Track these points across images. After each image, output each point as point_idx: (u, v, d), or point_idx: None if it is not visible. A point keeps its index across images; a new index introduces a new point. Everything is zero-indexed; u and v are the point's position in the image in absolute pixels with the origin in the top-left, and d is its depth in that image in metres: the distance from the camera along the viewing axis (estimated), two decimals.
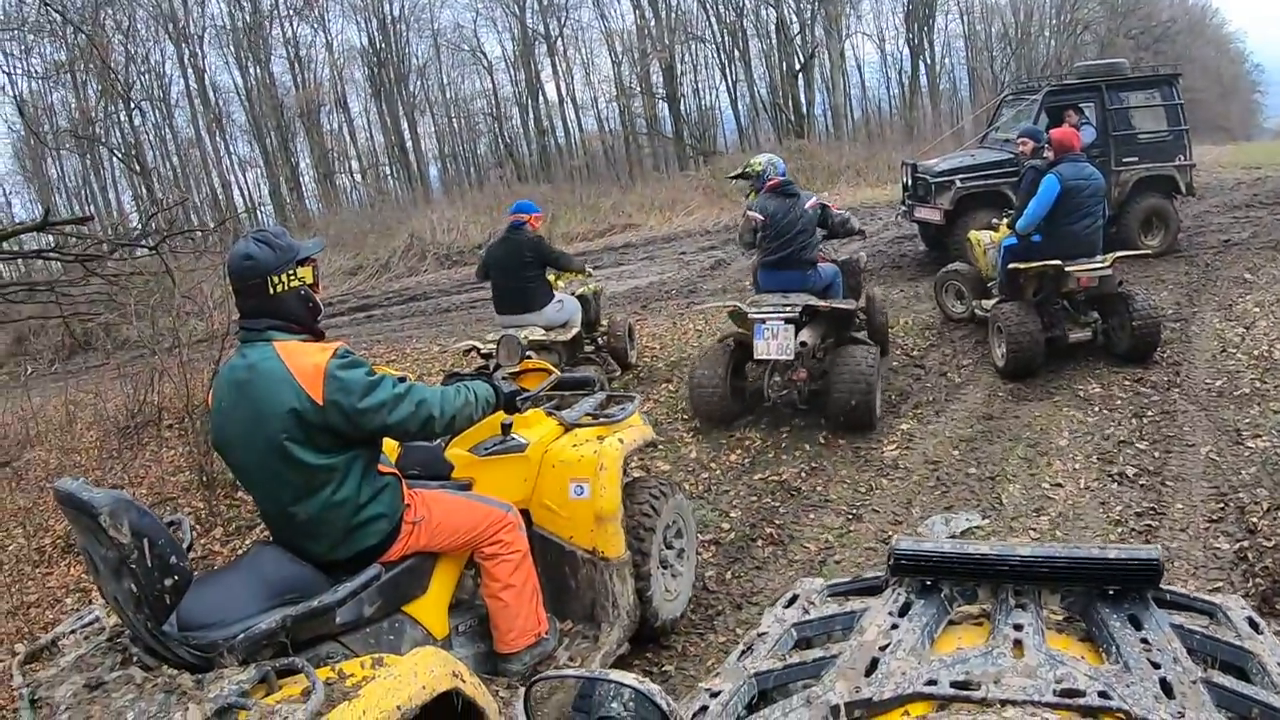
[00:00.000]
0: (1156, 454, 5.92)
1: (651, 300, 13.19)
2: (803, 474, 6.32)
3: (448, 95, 40.18)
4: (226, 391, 2.87)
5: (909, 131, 31.43)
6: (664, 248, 18.62)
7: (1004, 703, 1.41)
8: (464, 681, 2.40)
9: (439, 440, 3.82)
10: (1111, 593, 1.77)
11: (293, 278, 2.89)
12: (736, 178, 9.20)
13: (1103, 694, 1.40)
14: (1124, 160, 11.16)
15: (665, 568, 4.32)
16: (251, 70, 35.97)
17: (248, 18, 35.09)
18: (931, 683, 1.49)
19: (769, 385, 7.15)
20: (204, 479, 6.85)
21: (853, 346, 7.01)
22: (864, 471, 6.27)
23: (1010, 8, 38.52)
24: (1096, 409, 6.79)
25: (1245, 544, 4.64)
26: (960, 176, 11.16)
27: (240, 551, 5.85)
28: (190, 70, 34.33)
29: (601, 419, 4.10)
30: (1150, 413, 6.60)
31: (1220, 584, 4.30)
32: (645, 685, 1.45)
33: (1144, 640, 1.60)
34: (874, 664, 1.62)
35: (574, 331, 8.07)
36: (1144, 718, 1.35)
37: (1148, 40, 36.69)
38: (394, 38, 37.35)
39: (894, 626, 1.76)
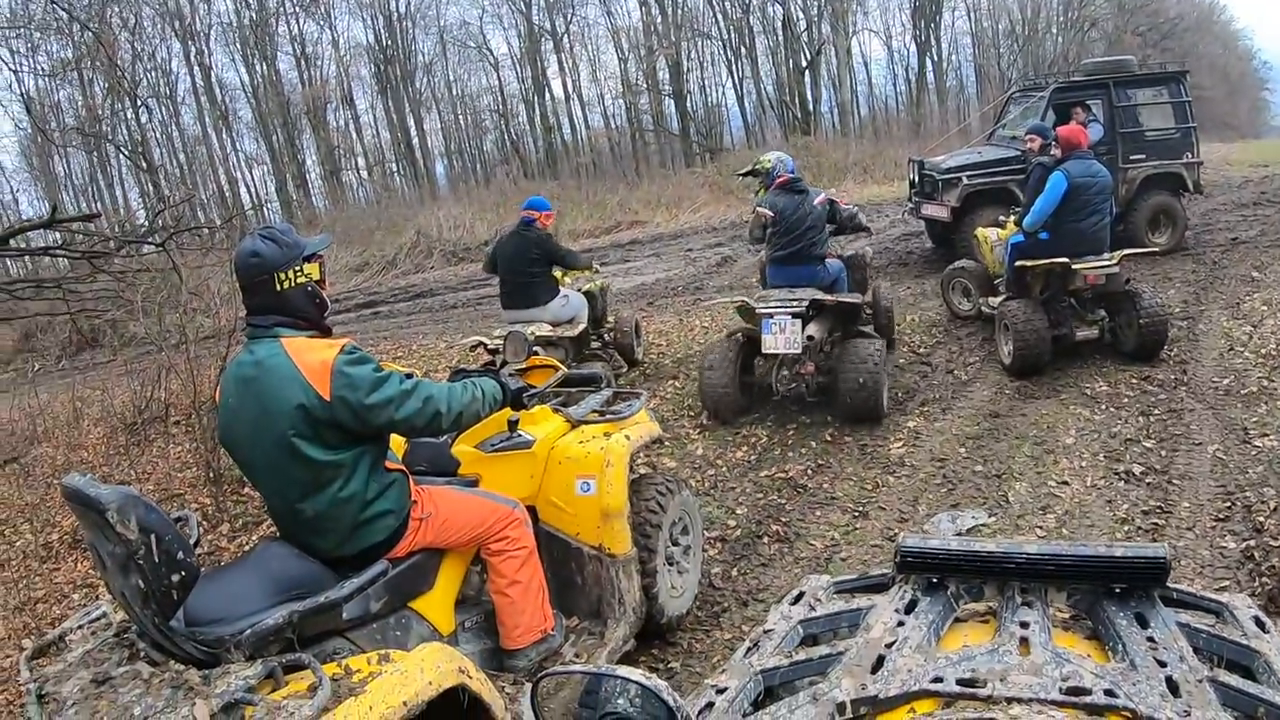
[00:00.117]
0: (1163, 452, 5.91)
1: (658, 297, 13.19)
2: (809, 471, 6.32)
3: (454, 92, 40.24)
4: (234, 388, 2.88)
5: (916, 128, 31.40)
6: (670, 245, 18.62)
7: (1010, 700, 1.41)
8: (470, 677, 2.40)
9: (445, 436, 3.83)
10: (1118, 591, 1.76)
11: (299, 274, 2.89)
12: (746, 174, 9.26)
13: (1109, 692, 1.40)
14: (1131, 158, 11.13)
15: (671, 564, 4.32)
16: (258, 67, 36.06)
17: (254, 14, 35.15)
18: (937, 680, 1.49)
19: (777, 379, 7.19)
20: (211, 475, 6.87)
21: (859, 340, 7.08)
22: (870, 469, 6.27)
23: (1018, 4, 38.42)
24: (1103, 407, 6.77)
25: (1252, 543, 4.63)
26: (967, 174, 11.14)
27: (247, 547, 5.86)
28: (196, 67, 34.40)
29: (608, 416, 4.10)
30: (1157, 411, 6.58)
31: (1227, 583, 4.29)
32: (652, 681, 1.46)
33: (1150, 639, 1.60)
34: (880, 661, 1.62)
35: (581, 327, 8.10)
36: (1150, 716, 1.34)
37: (1155, 37, 36.58)
38: (400, 34, 37.37)
39: (900, 624, 1.76)
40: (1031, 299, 7.56)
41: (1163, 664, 1.50)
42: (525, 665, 3.36)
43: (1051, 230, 7.33)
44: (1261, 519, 4.83)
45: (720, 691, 1.73)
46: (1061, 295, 7.56)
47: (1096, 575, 1.78)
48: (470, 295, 16.05)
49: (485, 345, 7.62)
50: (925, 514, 5.49)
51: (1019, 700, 1.40)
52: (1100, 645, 1.67)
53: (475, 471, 3.75)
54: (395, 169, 39.04)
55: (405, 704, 2.17)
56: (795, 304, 6.81)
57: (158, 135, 34.17)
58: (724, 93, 39.00)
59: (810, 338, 6.81)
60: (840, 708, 1.50)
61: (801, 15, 35.05)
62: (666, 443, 6.93)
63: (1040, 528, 5.12)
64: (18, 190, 35.00)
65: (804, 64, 34.75)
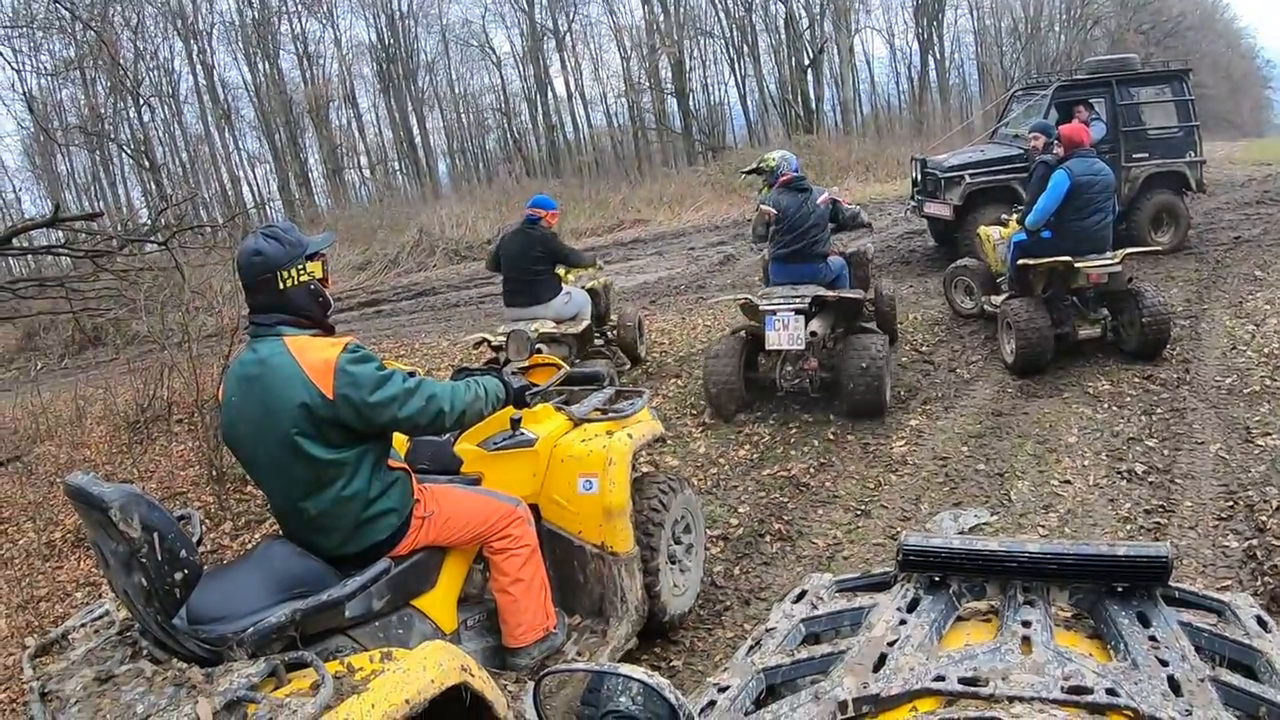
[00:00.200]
0: (1166, 451, 5.90)
1: (660, 296, 13.19)
2: (811, 469, 6.32)
3: (456, 91, 40.30)
4: (237, 387, 2.88)
5: (918, 127, 31.37)
6: (673, 243, 18.63)
7: (1011, 699, 1.41)
8: (473, 675, 2.40)
9: (448, 435, 3.83)
10: (1120, 590, 1.76)
11: (302, 272, 2.89)
12: (750, 172, 9.29)
13: (1110, 691, 1.40)
14: (1134, 156, 11.11)
15: (673, 563, 4.32)
16: (260, 66, 36.12)
17: (256, 14, 35.23)
18: (939, 679, 1.49)
19: (781, 375, 7.25)
20: (214, 473, 6.88)
21: (862, 335, 7.15)
22: (873, 467, 6.27)
23: (1020, 2, 38.42)
24: (1106, 406, 6.77)
25: (1254, 542, 4.63)
26: (970, 172, 11.14)
27: (249, 545, 5.87)
28: (199, 66, 34.46)
29: (610, 414, 4.10)
30: (1160, 410, 6.58)
31: (1229, 582, 4.28)
32: (654, 679, 1.46)
33: (1152, 638, 1.60)
34: (882, 660, 1.62)
35: (584, 324, 8.13)
36: (1152, 715, 1.34)
37: (1158, 35, 36.56)
38: (403, 33, 37.43)
39: (902, 622, 1.76)
40: (1034, 297, 7.56)
41: (1164, 663, 1.50)
42: (528, 663, 3.36)
43: (1054, 229, 7.33)
44: (1264, 518, 4.82)
45: (722, 690, 1.73)
46: (1064, 294, 7.56)
47: (1099, 574, 1.78)
48: (473, 294, 16.06)
49: (489, 342, 7.64)
50: (927, 512, 5.49)
51: (1021, 699, 1.40)
52: (1102, 644, 1.67)
53: (478, 470, 3.75)
54: (398, 167, 39.14)
55: (408, 702, 2.18)
56: (798, 300, 6.88)
57: (160, 134, 34.24)
58: (726, 91, 39.15)
59: (813, 333, 6.87)
60: (842, 706, 1.50)
61: (804, 13, 35.09)
62: (669, 441, 6.94)
63: (1042, 526, 5.11)
64: (20, 189, 35.16)
65: (806, 62, 34.76)
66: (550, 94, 38.80)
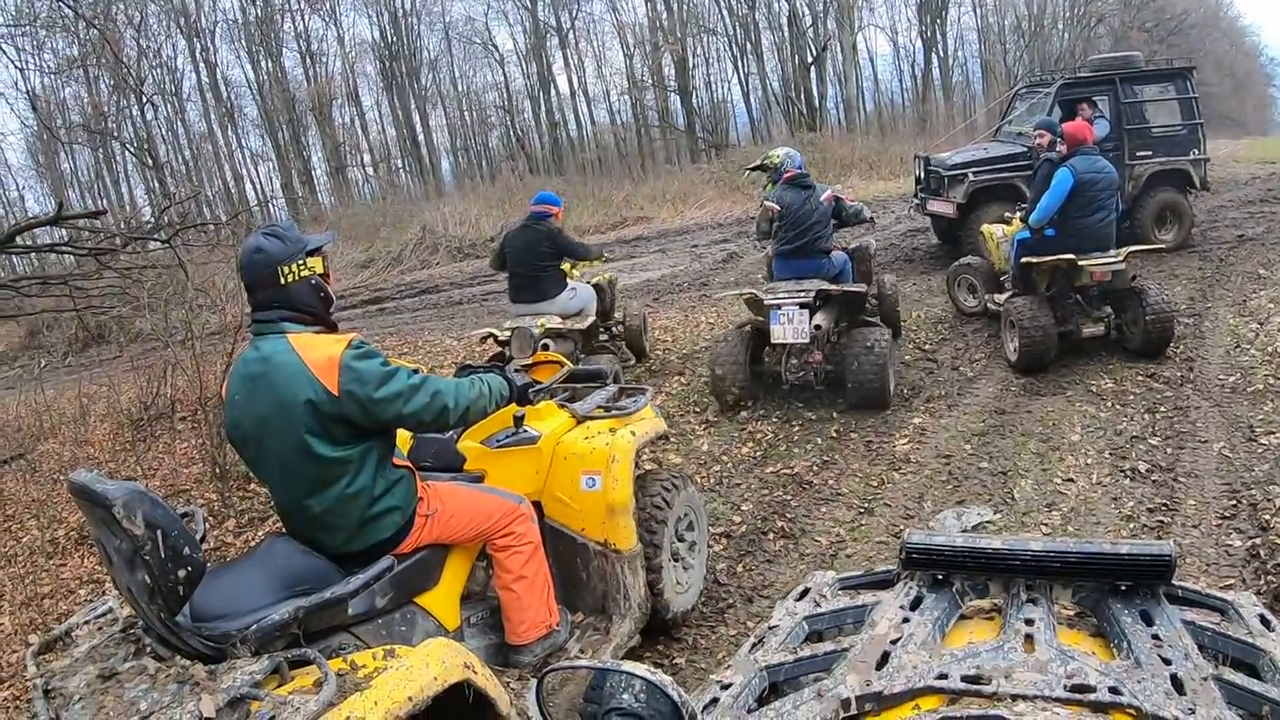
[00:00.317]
0: (1169, 450, 5.90)
1: (663, 293, 13.20)
2: (814, 467, 6.32)
3: (459, 88, 40.31)
4: (240, 384, 2.88)
5: (922, 124, 31.36)
6: (676, 241, 18.63)
7: (1015, 697, 1.41)
8: (475, 673, 2.40)
9: (451, 432, 3.83)
10: (1123, 588, 1.76)
11: (303, 267, 2.89)
12: (755, 169, 9.32)
13: (1113, 690, 1.40)
14: (1138, 154, 11.11)
15: (676, 560, 4.32)
16: (263, 64, 36.17)
17: (259, 12, 35.22)
18: (942, 677, 1.49)
19: (786, 368, 7.32)
20: (217, 471, 6.88)
21: (865, 328, 7.23)
22: (876, 465, 6.27)
23: (1024, 0, 38.35)
24: (1109, 404, 6.76)
25: (1258, 541, 4.62)
26: (973, 170, 11.14)
27: (253, 543, 5.88)
28: (202, 64, 34.54)
29: (614, 411, 4.10)
30: (1163, 408, 6.57)
31: (1232, 581, 4.28)
32: (656, 676, 1.46)
33: (1155, 636, 1.60)
34: (885, 657, 1.62)
35: (590, 320, 8.16)
36: (1155, 714, 1.34)
37: (1162, 33, 36.53)
38: (405, 31, 37.46)
39: (905, 620, 1.76)
40: (1037, 296, 7.55)
41: (1168, 662, 1.50)
42: (530, 660, 3.37)
43: (1058, 227, 7.33)
44: (1267, 517, 4.81)
45: (725, 687, 1.73)
46: (1067, 292, 7.55)
47: (1102, 572, 1.78)
48: (476, 291, 16.07)
49: (495, 337, 7.66)
50: (930, 511, 5.49)
51: (1024, 697, 1.40)
52: (1105, 643, 1.67)
53: (481, 467, 3.75)
54: (401, 165, 39.19)
55: (410, 699, 2.18)
56: (802, 295, 6.95)
57: (163, 132, 34.28)
58: (729, 89, 39.14)
59: (817, 327, 6.98)
60: (845, 704, 1.50)
61: (807, 11, 35.08)
62: (672, 439, 6.94)
63: (1045, 525, 5.11)
64: (24, 187, 35.20)
65: (810, 60, 34.75)
66: (553, 91, 38.89)
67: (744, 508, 5.83)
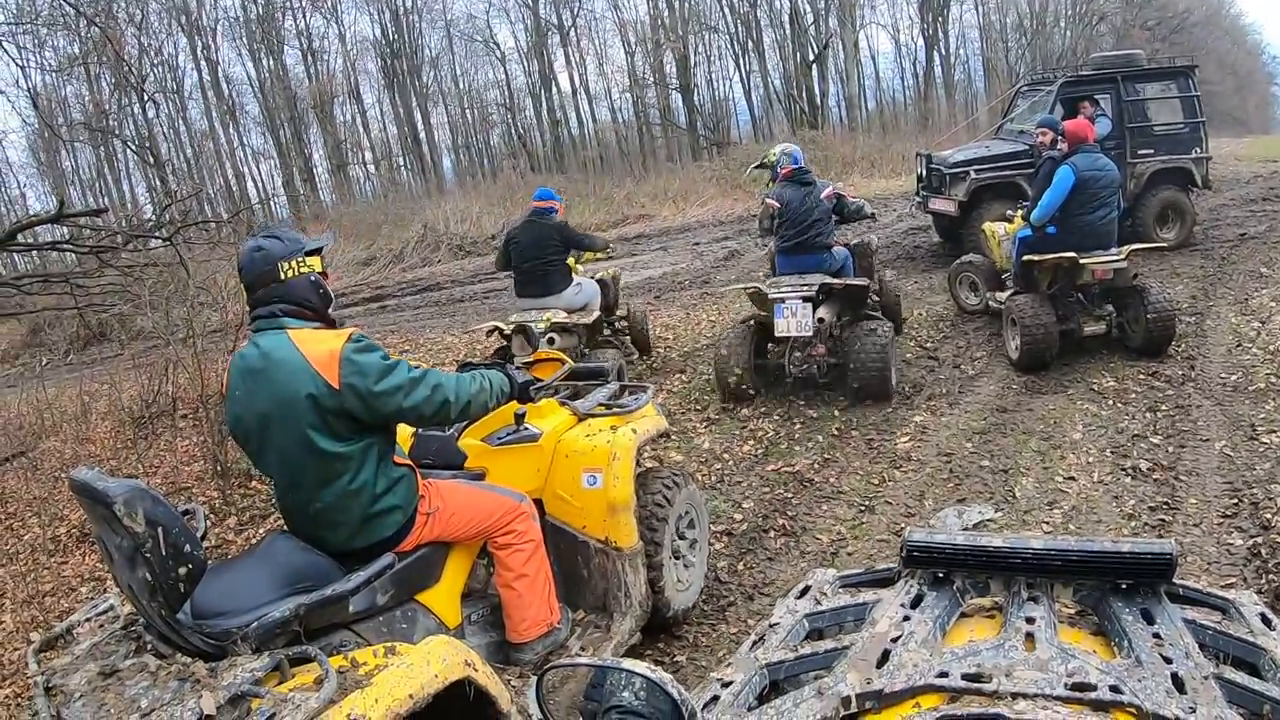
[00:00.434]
0: (1170, 448, 5.89)
1: (665, 291, 13.20)
2: (815, 465, 6.32)
3: (461, 86, 40.31)
4: (240, 380, 2.88)
5: (923, 122, 31.35)
6: (677, 238, 18.62)
7: (1015, 696, 1.41)
8: (476, 670, 2.40)
9: (452, 429, 3.84)
10: (1124, 587, 1.76)
11: (303, 264, 2.91)
12: (758, 168, 9.35)
13: (1114, 688, 1.40)
14: (1140, 152, 11.10)
15: (677, 558, 4.32)
16: (265, 62, 36.15)
17: (260, 9, 35.21)
18: (943, 675, 1.49)
19: (790, 361, 7.40)
20: (218, 468, 6.89)
21: (868, 322, 7.33)
22: (877, 463, 6.26)
23: None
24: (1110, 402, 6.76)
25: (1259, 540, 4.62)
26: (975, 168, 11.13)
27: (254, 540, 5.88)
28: (203, 62, 34.51)
29: (615, 409, 4.10)
30: (1164, 407, 6.56)
31: (1233, 579, 4.28)
32: (657, 674, 1.46)
33: (1156, 635, 1.60)
34: (885, 655, 1.63)
35: (595, 315, 8.23)
36: (1155, 713, 1.34)
37: (1164, 31, 36.50)
38: (407, 29, 37.43)
39: (906, 618, 1.76)
40: (1039, 294, 7.55)
41: (1168, 660, 1.50)
42: (531, 658, 3.37)
43: (1059, 224, 7.32)
44: (1269, 516, 4.81)
45: (725, 685, 1.74)
46: (1069, 290, 7.55)
47: (1103, 571, 1.78)
48: (477, 289, 16.07)
49: (500, 330, 7.68)
50: (931, 509, 5.49)
51: (1024, 696, 1.40)
52: (1106, 641, 1.67)
53: (482, 465, 3.75)
54: (402, 163, 39.14)
55: (411, 697, 2.18)
56: (806, 288, 7.05)
57: (165, 130, 34.21)
58: (731, 86, 39.15)
59: (821, 320, 7.09)
60: (845, 702, 1.50)
61: (809, 8, 35.02)
62: (673, 436, 6.94)
63: (1046, 523, 5.11)
64: (25, 185, 35.17)
65: (811, 58, 34.72)
66: (555, 89, 38.83)
67: (745, 505, 5.83)
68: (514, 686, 3.04)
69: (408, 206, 26.82)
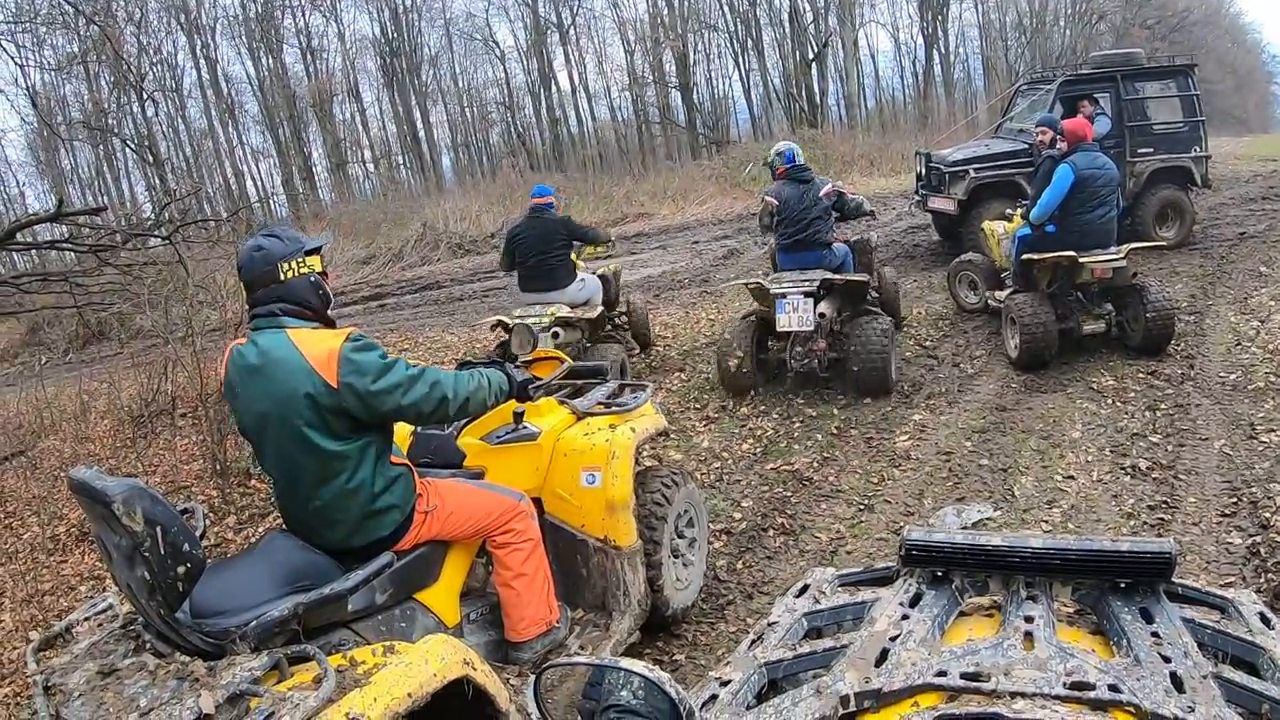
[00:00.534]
0: (1170, 447, 5.90)
1: (664, 289, 13.20)
2: (815, 464, 6.32)
3: (460, 85, 40.27)
4: (238, 378, 2.89)
5: (923, 121, 31.31)
6: (676, 237, 18.62)
7: (1014, 695, 1.41)
8: (475, 669, 2.40)
9: (451, 428, 3.84)
10: (1123, 586, 1.76)
11: (302, 264, 2.91)
12: (764, 165, 9.44)
13: (1113, 687, 1.40)
14: (1139, 151, 11.09)
15: (676, 557, 4.32)
16: (264, 60, 36.12)
17: (259, 8, 35.18)
18: (941, 674, 1.49)
19: (791, 355, 7.47)
20: (217, 467, 6.89)
21: (868, 317, 7.42)
22: (876, 462, 6.27)
23: None
24: (1110, 401, 6.76)
25: (1258, 539, 4.62)
26: (974, 166, 11.13)
27: (253, 539, 5.88)
28: (203, 61, 34.46)
29: (614, 408, 4.10)
30: (1164, 406, 6.56)
31: (1232, 578, 4.28)
32: (655, 673, 1.46)
33: (1155, 634, 1.60)
34: (884, 654, 1.62)
35: (599, 310, 8.32)
36: (1154, 712, 1.34)
37: (1163, 30, 36.48)
38: (406, 27, 37.41)
39: (904, 617, 1.76)
40: (1038, 292, 7.55)
41: (1167, 659, 1.50)
42: (530, 657, 3.37)
43: (1058, 223, 7.33)
44: (1268, 515, 4.81)
45: (724, 684, 1.73)
46: (1068, 289, 7.55)
47: (1102, 570, 1.78)
48: (476, 287, 16.06)
49: (505, 324, 7.70)
50: (930, 507, 5.49)
51: (1023, 695, 1.40)
52: (1105, 640, 1.67)
53: (481, 464, 3.75)
54: (401, 162, 39.12)
55: (410, 695, 2.18)
56: (807, 284, 7.16)
57: (164, 129, 34.16)
58: (730, 85, 39.10)
59: (822, 315, 7.17)
60: (844, 701, 1.50)
61: (808, 7, 34.99)
62: (672, 435, 6.95)
63: (1046, 522, 5.11)
64: (24, 184, 35.13)
65: (811, 56, 34.68)
66: (554, 88, 38.81)
67: (744, 504, 5.83)
68: (513, 685, 3.04)
69: (407, 205, 26.80)
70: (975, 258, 9.30)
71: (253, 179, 37.26)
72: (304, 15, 36.60)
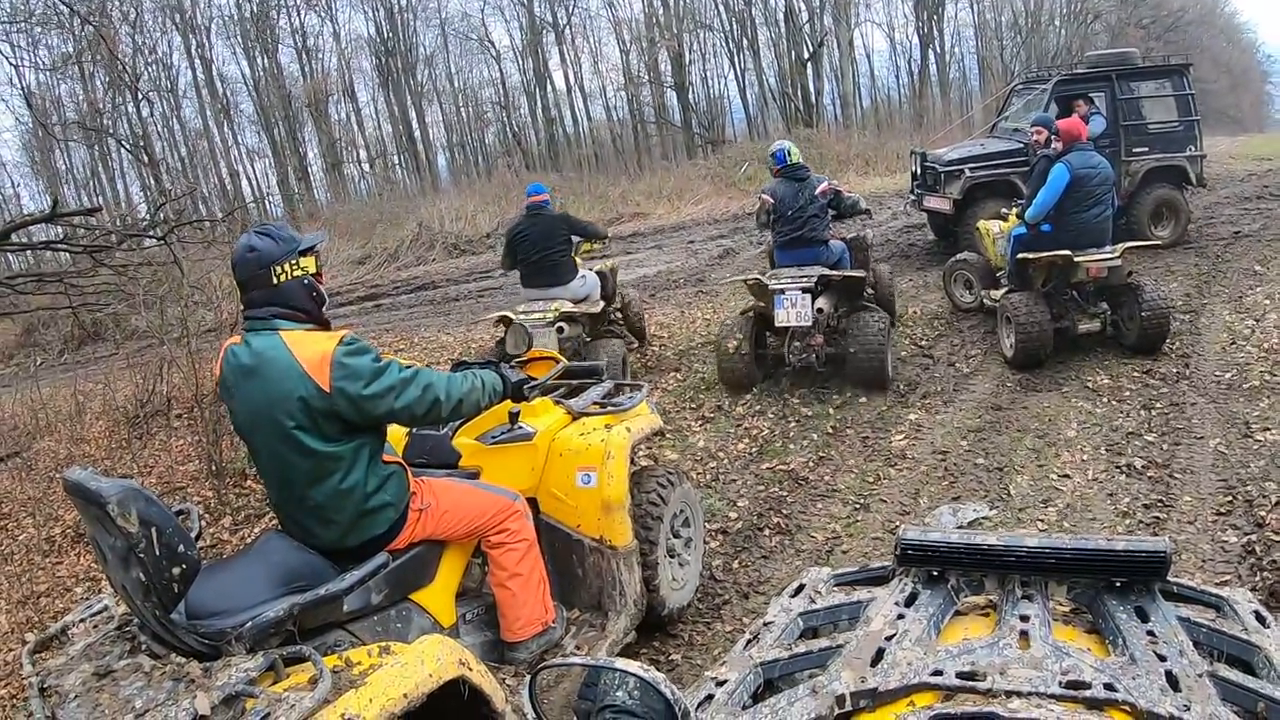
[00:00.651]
0: (1165, 446, 5.90)
1: (660, 289, 13.19)
2: (810, 463, 6.32)
3: (455, 84, 40.23)
4: (232, 379, 2.89)
5: (918, 120, 31.30)
6: (672, 237, 18.61)
7: (1009, 694, 1.41)
8: (471, 669, 2.40)
9: (446, 428, 3.83)
10: (1118, 585, 1.76)
11: (296, 266, 2.90)
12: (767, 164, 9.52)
13: (1108, 686, 1.40)
14: (1134, 150, 11.10)
15: (672, 556, 4.32)
16: (259, 60, 36.00)
17: (255, 7, 35.10)
18: (937, 673, 1.49)
19: (789, 350, 7.56)
20: (213, 468, 6.88)
21: (865, 313, 7.50)
22: (872, 461, 6.27)
23: None
24: (1105, 400, 6.77)
25: (1253, 537, 4.63)
26: (969, 166, 11.14)
27: (248, 540, 5.87)
28: (198, 61, 34.34)
29: (609, 407, 4.10)
30: (1159, 405, 6.58)
31: (1228, 577, 4.29)
32: (650, 674, 1.46)
33: (1150, 633, 1.60)
34: (880, 654, 1.62)
35: (600, 306, 8.39)
36: (1150, 711, 1.34)
37: (1158, 30, 36.52)
38: (401, 27, 37.36)
39: (900, 617, 1.76)
40: (1033, 291, 7.56)
41: (1163, 658, 1.50)
42: (526, 657, 3.37)
43: (1054, 223, 7.34)
44: (1263, 513, 4.82)
45: (720, 684, 1.73)
46: (1064, 288, 7.56)
47: (1097, 569, 1.78)
48: (473, 287, 16.05)
49: (508, 319, 7.71)
50: (926, 507, 5.49)
51: (1019, 694, 1.40)
52: (1100, 639, 1.67)
53: (476, 464, 3.75)
54: (397, 161, 39.06)
55: (405, 696, 2.18)
56: (805, 279, 7.24)
57: (159, 129, 34.08)
58: (726, 85, 39.03)
59: (820, 310, 7.29)
60: (840, 700, 1.50)
61: (803, 7, 34.97)
62: (668, 435, 6.95)
63: (1041, 521, 5.12)
64: (19, 184, 35.01)
65: (806, 56, 34.67)
66: (549, 87, 38.77)
67: (740, 504, 5.83)
68: (508, 686, 3.04)
69: (402, 205, 26.74)
70: (971, 257, 9.31)
71: (248, 179, 37.22)
72: (299, 15, 36.58)
